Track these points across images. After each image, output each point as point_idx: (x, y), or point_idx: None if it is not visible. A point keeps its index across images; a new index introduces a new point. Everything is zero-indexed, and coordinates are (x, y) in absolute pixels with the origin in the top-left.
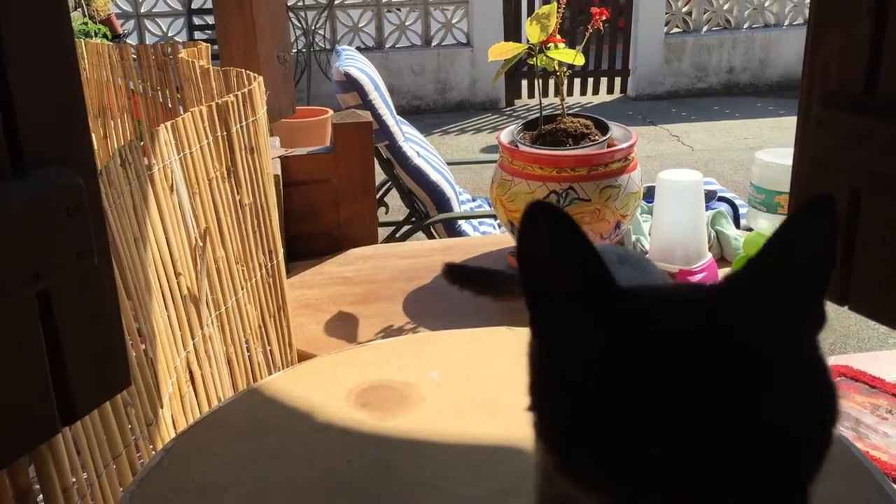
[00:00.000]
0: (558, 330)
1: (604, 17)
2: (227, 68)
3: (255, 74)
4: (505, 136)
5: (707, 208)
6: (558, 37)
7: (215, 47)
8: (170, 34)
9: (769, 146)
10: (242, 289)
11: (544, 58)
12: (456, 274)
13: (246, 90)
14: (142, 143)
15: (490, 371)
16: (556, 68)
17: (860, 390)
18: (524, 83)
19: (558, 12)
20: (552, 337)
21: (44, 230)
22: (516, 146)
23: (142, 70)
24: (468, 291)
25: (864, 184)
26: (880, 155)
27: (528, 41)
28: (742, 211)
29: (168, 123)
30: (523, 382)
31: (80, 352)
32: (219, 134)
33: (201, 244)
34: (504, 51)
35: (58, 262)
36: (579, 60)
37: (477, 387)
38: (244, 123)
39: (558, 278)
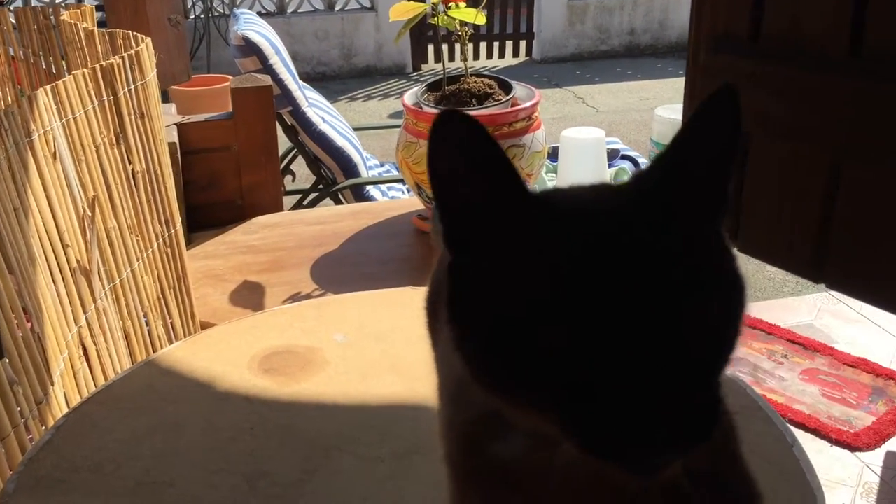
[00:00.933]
0: (477, 243)
1: None
2: (113, 30)
3: (143, 36)
4: (409, 97)
5: (610, 166)
6: None
7: (102, 14)
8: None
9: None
10: (138, 260)
11: (445, 17)
12: None
13: (133, 52)
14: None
15: (395, 331)
16: (458, 28)
17: (757, 337)
18: (430, 48)
19: None
20: (471, 251)
21: None
22: (420, 108)
23: (22, 35)
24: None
25: (753, 126)
26: (767, 98)
27: (429, 1)
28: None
29: (48, 87)
30: (427, 340)
31: None
32: (105, 98)
33: (90, 213)
34: (405, 10)
35: None
36: (480, 20)
37: (382, 348)
38: (132, 87)
39: (476, 189)
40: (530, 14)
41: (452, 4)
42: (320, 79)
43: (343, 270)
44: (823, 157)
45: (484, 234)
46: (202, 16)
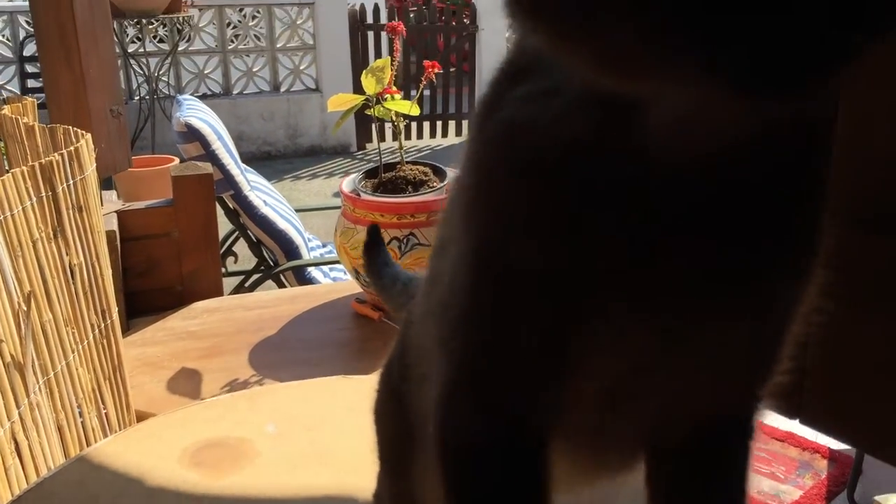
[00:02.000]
0: None
1: (436, 70)
2: (53, 125)
3: (84, 132)
4: (347, 184)
5: None
6: (394, 88)
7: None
8: (0, 82)
9: None
10: (73, 352)
11: (381, 108)
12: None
13: (73, 148)
14: None
15: (326, 422)
16: (393, 118)
17: None
18: (374, 127)
19: (392, 66)
20: None
21: None
22: (358, 195)
23: None
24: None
25: None
26: None
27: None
28: None
29: None
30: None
31: None
32: (43, 194)
33: (25, 308)
34: (342, 102)
35: None
36: (414, 111)
37: (312, 438)
38: (71, 182)
39: None
40: (472, 94)
41: (388, 96)
42: (266, 158)
43: (281, 356)
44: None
45: None
46: (147, 97)
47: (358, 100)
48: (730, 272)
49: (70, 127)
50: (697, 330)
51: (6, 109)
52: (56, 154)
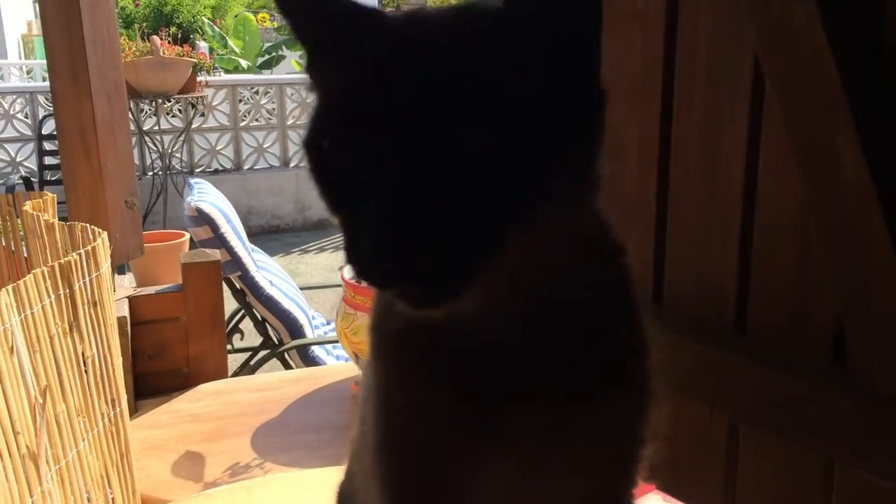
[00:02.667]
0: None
1: None
2: (72, 223)
3: (100, 230)
4: (347, 271)
5: None
6: None
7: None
8: (18, 159)
9: None
10: (84, 440)
11: None
12: None
13: (90, 247)
14: None
15: None
16: None
17: None
18: None
19: None
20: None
21: None
22: (358, 282)
23: None
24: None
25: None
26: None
27: None
28: None
29: (10, 287)
30: None
31: None
32: (61, 292)
33: (41, 401)
34: None
35: None
36: None
37: None
38: (88, 279)
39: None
40: None
41: None
42: (275, 231)
43: (282, 439)
44: (723, 418)
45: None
46: (160, 173)
47: None
48: (553, 413)
49: (87, 225)
50: (546, 458)
51: (28, 206)
52: (74, 254)
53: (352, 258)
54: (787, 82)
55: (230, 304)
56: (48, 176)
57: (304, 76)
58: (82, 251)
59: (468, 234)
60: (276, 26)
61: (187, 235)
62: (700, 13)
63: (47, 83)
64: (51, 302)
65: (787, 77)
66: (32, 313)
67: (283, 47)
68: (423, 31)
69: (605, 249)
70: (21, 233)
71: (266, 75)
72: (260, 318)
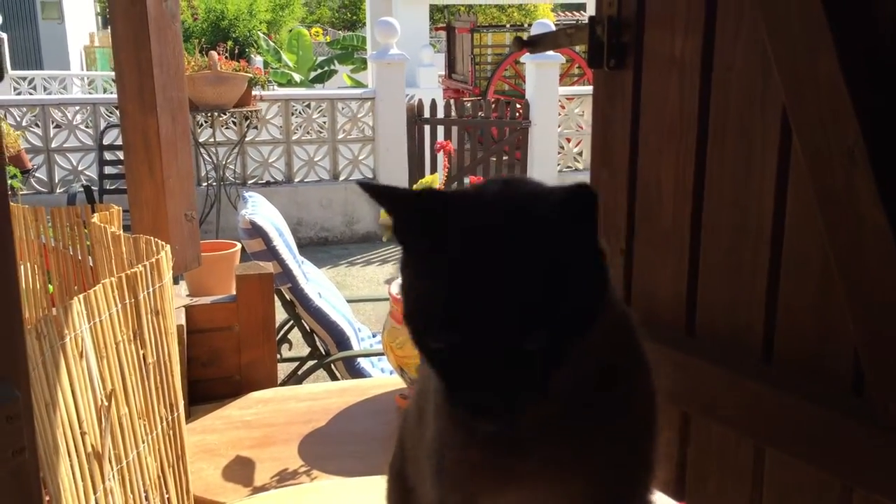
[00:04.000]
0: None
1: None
2: (137, 236)
3: (164, 243)
4: (395, 286)
5: None
6: None
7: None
8: (80, 168)
9: None
10: (143, 442)
11: None
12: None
13: (154, 259)
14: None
15: None
16: None
17: None
18: None
19: (440, 183)
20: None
21: None
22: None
23: (55, 229)
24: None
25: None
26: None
27: None
28: None
29: (81, 296)
30: None
31: None
32: (127, 301)
33: (106, 404)
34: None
35: None
36: None
37: None
38: (151, 290)
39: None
40: None
41: None
42: (323, 243)
43: (329, 448)
44: (750, 442)
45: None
46: (214, 184)
47: None
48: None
49: (151, 237)
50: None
51: (95, 217)
52: (140, 265)
53: (463, 402)
54: (809, 131)
55: (279, 314)
56: (107, 185)
57: (356, 92)
58: (147, 263)
59: (546, 380)
60: (328, 41)
61: (239, 246)
62: (735, 62)
63: (108, 94)
64: (117, 310)
65: (810, 126)
66: (101, 321)
67: (335, 62)
68: (488, 224)
69: (616, 319)
70: (88, 243)
71: (318, 89)
72: (308, 329)
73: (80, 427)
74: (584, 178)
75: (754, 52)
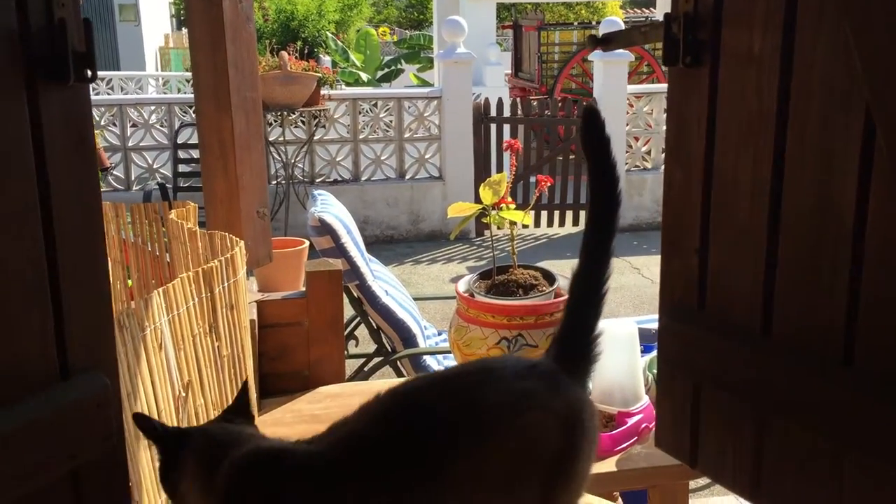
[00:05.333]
0: None
1: (549, 184)
2: (212, 232)
3: (238, 239)
4: (462, 285)
5: (648, 350)
6: (509, 199)
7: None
8: (155, 166)
9: None
10: None
11: (497, 217)
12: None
13: (229, 255)
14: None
15: None
16: (508, 226)
17: None
18: (491, 229)
19: (508, 182)
20: None
21: (80, 420)
22: (472, 295)
23: (134, 225)
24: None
25: (701, 379)
26: (707, 357)
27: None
28: None
29: (160, 290)
30: None
31: None
32: (203, 295)
33: (184, 395)
34: (461, 209)
35: (88, 444)
36: (527, 221)
37: None
38: (226, 284)
39: None
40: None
41: (503, 206)
42: (389, 241)
43: None
44: (746, 408)
45: None
46: (283, 182)
47: (475, 208)
48: None
49: (226, 234)
50: None
51: (173, 214)
52: (215, 260)
53: None
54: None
55: (347, 311)
56: (181, 182)
57: (422, 91)
58: (222, 258)
59: None
60: (395, 40)
61: (307, 243)
62: (815, 58)
63: (183, 94)
64: (194, 304)
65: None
66: (178, 314)
67: (402, 61)
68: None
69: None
70: (165, 239)
71: (385, 89)
72: (375, 326)
73: (159, 417)
74: (653, 177)
75: (836, 51)
